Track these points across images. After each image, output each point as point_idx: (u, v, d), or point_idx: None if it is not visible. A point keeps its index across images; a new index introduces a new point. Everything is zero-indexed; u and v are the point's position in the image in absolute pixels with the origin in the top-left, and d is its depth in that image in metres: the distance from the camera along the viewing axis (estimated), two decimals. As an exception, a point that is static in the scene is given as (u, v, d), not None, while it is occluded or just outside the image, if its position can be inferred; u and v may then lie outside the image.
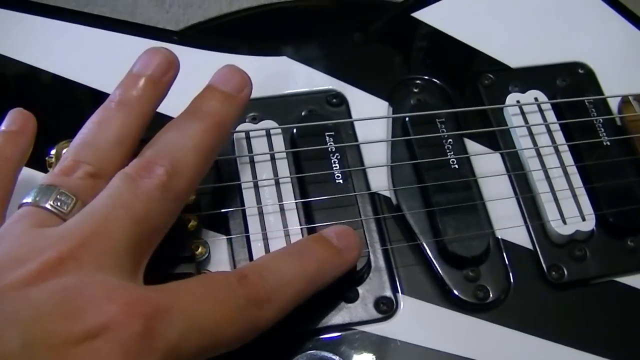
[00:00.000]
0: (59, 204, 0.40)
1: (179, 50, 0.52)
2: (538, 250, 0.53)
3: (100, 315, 0.34)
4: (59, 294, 0.35)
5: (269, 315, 0.41)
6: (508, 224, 0.53)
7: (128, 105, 0.44)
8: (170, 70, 0.46)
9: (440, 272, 0.51)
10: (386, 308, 0.49)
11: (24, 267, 0.36)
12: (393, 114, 0.57)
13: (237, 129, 0.53)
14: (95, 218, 0.38)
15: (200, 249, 0.49)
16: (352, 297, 0.49)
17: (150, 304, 0.36)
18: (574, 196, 0.54)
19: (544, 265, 0.52)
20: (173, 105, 0.47)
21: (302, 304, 0.44)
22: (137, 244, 0.39)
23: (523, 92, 0.58)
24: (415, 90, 0.58)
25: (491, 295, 0.51)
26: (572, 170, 0.55)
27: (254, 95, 0.55)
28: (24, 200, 0.40)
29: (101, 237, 0.37)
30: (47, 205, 0.40)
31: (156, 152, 0.42)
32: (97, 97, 0.53)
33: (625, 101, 0.59)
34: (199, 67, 0.53)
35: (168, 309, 0.36)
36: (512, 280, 0.52)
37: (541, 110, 0.57)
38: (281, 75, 0.58)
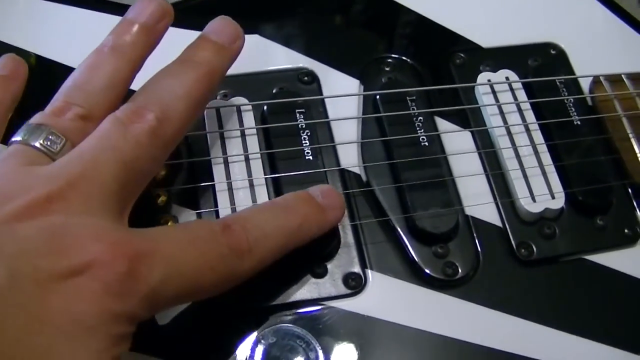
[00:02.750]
0: (48, 143, 0.40)
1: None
2: (507, 227, 0.53)
3: (85, 253, 0.35)
4: (46, 231, 0.35)
5: (249, 265, 0.41)
6: (477, 201, 0.53)
7: (121, 51, 0.44)
8: (164, 18, 0.46)
9: (409, 248, 0.51)
10: (355, 284, 0.49)
11: (11, 203, 0.36)
12: (364, 91, 0.56)
13: (208, 105, 0.53)
14: (84, 159, 0.38)
15: (169, 224, 0.48)
16: (321, 273, 0.49)
17: (135, 247, 0.36)
18: (544, 174, 0.54)
19: (513, 243, 0.52)
20: None
21: (270, 278, 0.44)
22: (124, 187, 0.39)
23: (494, 71, 0.58)
24: (387, 69, 0.58)
25: (460, 272, 0.51)
26: (542, 148, 0.55)
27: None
28: (14, 139, 0.40)
29: (90, 178, 0.38)
30: (37, 144, 0.40)
31: (147, 97, 0.42)
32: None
33: (596, 81, 0.59)
34: (176, 46, 0.53)
35: (152, 253, 0.37)
36: (481, 257, 0.52)
37: (512, 90, 0.57)
38: (253, 53, 0.57)
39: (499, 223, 0.53)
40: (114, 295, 0.35)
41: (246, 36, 0.56)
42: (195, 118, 0.44)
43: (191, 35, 0.53)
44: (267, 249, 0.42)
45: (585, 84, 0.60)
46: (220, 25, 0.47)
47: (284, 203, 0.46)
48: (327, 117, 0.55)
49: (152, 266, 0.36)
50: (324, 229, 0.46)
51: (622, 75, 0.59)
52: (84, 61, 0.44)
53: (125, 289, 0.35)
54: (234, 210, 0.49)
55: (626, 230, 0.54)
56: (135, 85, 0.45)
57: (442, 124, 0.56)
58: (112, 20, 0.46)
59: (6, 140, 0.42)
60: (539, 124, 0.56)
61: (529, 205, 0.52)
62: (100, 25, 0.48)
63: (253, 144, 0.52)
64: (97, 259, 0.35)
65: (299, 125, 0.53)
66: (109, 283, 0.35)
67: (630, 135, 0.57)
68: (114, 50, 0.44)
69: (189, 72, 0.44)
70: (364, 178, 0.53)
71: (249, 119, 0.53)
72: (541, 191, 0.53)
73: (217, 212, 0.49)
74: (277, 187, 0.51)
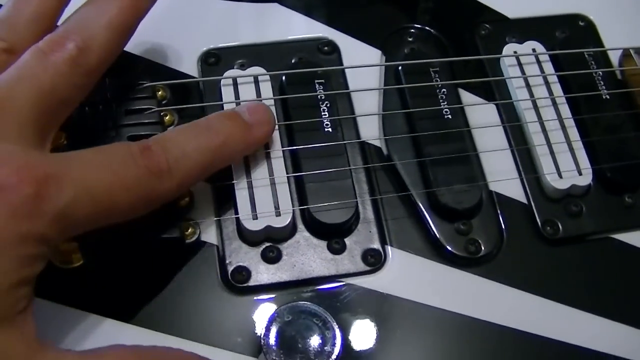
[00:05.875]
0: None
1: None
2: (532, 204, 0.51)
3: None
4: None
5: (169, 185, 0.41)
6: (502, 176, 0.52)
7: None
8: None
9: (431, 224, 0.49)
10: (374, 260, 0.48)
11: None
12: (386, 62, 0.55)
13: (225, 74, 0.51)
14: (1, 88, 0.39)
15: (185, 198, 0.47)
16: (339, 249, 0.48)
17: (43, 169, 0.37)
18: (571, 150, 0.52)
19: (538, 220, 0.51)
20: (170, 53, 0.50)
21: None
22: (43, 114, 0.39)
23: (521, 43, 0.56)
24: (410, 39, 0.56)
25: (483, 250, 0.49)
26: (570, 123, 0.53)
27: (243, 41, 0.54)
28: None
29: (5, 106, 0.38)
30: None
31: (69, 27, 0.42)
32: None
33: (626, 54, 0.57)
34: (185, 13, 0.52)
35: (61, 175, 0.37)
36: (504, 234, 0.50)
37: (539, 62, 0.55)
38: (272, 22, 0.56)
39: (523, 200, 0.52)
40: (20, 217, 0.35)
41: (264, 5, 0.56)
42: (120, 47, 0.45)
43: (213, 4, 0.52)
44: (188, 169, 0.42)
45: (614, 57, 0.58)
46: None
47: (206, 122, 0.45)
48: (347, 88, 0.53)
49: (60, 187, 0.37)
50: (252, 146, 0.47)
51: (653, 48, 0.57)
52: None
53: (33, 211, 0.36)
54: (250, 183, 0.48)
55: (656, 209, 0.52)
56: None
57: (466, 97, 0.54)
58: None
59: None
60: (566, 98, 0.54)
61: (555, 182, 0.51)
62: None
63: (271, 114, 0.50)
64: (4, 182, 0.36)
65: (318, 96, 0.51)
66: (15, 205, 0.35)
67: (661, 111, 0.55)
68: None
69: (112, 1, 0.44)
70: (384, 151, 0.52)
71: (267, 90, 0.51)
72: (568, 167, 0.51)
73: (232, 185, 0.48)
74: (295, 160, 0.49)
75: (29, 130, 0.39)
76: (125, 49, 0.46)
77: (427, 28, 0.57)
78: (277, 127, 0.49)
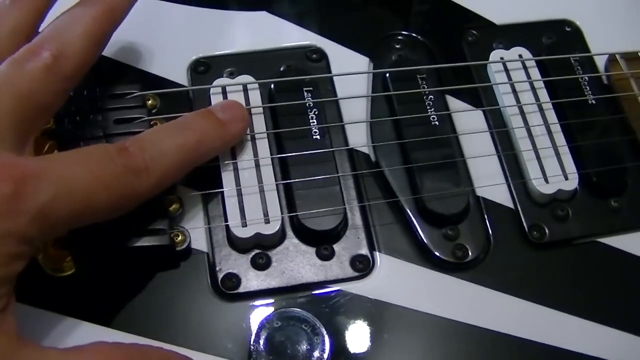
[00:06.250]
0: None
1: (154, 3, 0.51)
2: (519, 209, 0.52)
3: None
4: None
5: (147, 183, 0.42)
6: (489, 181, 0.52)
7: (20, 2, 0.46)
8: None
9: (419, 230, 0.50)
10: (362, 266, 0.49)
11: None
12: (374, 70, 0.55)
13: (214, 83, 0.52)
14: None
15: (174, 206, 0.48)
16: (328, 255, 0.49)
17: (22, 169, 0.37)
18: (557, 155, 0.52)
19: (525, 225, 0.51)
20: (159, 62, 0.50)
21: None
22: (20, 119, 0.40)
23: (507, 49, 0.57)
24: (397, 46, 0.57)
25: (470, 254, 0.50)
26: (556, 128, 0.53)
27: (232, 50, 0.54)
28: None
29: None
30: None
31: (45, 37, 0.43)
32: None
33: (612, 59, 0.58)
34: (175, 22, 0.52)
35: (40, 174, 0.38)
36: (492, 239, 0.51)
37: (525, 68, 0.56)
38: (261, 30, 0.56)
39: (510, 204, 0.52)
40: (1, 216, 0.36)
41: (252, 12, 0.56)
42: (96, 54, 0.45)
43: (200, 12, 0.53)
44: (165, 167, 0.43)
45: (600, 62, 0.58)
46: None
47: (182, 121, 0.46)
48: (335, 95, 0.54)
49: (39, 186, 0.37)
50: (227, 143, 0.48)
51: (639, 53, 0.58)
52: None
53: (12, 209, 0.36)
54: (239, 191, 0.48)
55: (641, 213, 0.53)
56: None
57: (454, 103, 0.55)
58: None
59: None
60: (552, 103, 0.54)
61: (541, 187, 0.51)
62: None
63: (259, 122, 0.51)
64: None
65: (307, 104, 0.52)
66: None
67: (647, 115, 0.55)
68: (14, 2, 0.45)
69: (87, 9, 0.45)
70: (372, 158, 0.52)
71: (256, 98, 0.52)
72: (554, 172, 0.52)
73: (222, 193, 0.48)
74: (283, 167, 0.50)
75: (7, 134, 0.39)
76: (114, 57, 0.47)
77: (414, 35, 0.58)
78: (266, 135, 0.50)
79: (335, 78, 0.54)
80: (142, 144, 0.43)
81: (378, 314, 0.47)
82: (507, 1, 0.60)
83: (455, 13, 0.59)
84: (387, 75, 0.54)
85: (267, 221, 0.47)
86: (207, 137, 0.46)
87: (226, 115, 0.47)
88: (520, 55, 0.56)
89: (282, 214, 0.48)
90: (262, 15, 0.57)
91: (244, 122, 0.48)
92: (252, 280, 0.47)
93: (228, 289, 0.47)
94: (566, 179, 0.52)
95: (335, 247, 0.49)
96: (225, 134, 0.47)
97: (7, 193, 0.36)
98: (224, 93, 0.52)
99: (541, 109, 0.54)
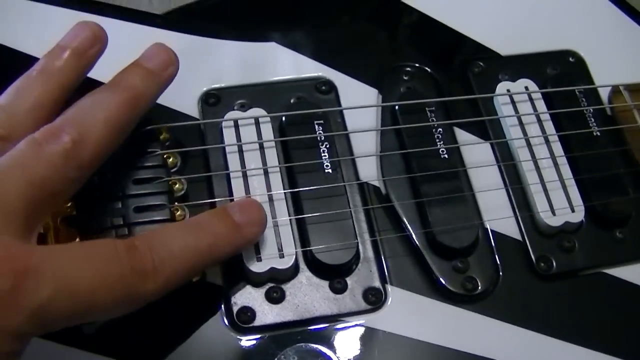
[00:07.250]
0: None
1: (163, 34, 0.51)
2: (527, 241, 0.53)
3: None
4: None
5: (153, 287, 0.40)
6: (497, 214, 0.53)
7: (49, 74, 0.44)
8: (96, 44, 0.46)
9: (429, 263, 0.51)
10: (375, 299, 0.49)
11: None
12: (383, 101, 0.56)
13: (226, 116, 0.52)
14: None
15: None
16: (341, 288, 0.49)
17: (24, 262, 0.36)
18: (564, 187, 0.53)
19: (532, 257, 0.52)
20: (169, 93, 0.48)
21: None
22: (32, 205, 0.38)
23: (513, 80, 0.57)
24: (405, 78, 0.57)
25: (480, 287, 0.51)
26: (562, 160, 0.54)
27: (242, 81, 0.55)
28: None
29: None
30: None
31: (66, 119, 0.42)
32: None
33: (615, 91, 0.58)
34: (184, 52, 0.52)
35: (41, 269, 0.36)
36: (500, 271, 0.51)
37: (531, 100, 0.57)
38: (270, 61, 0.57)
39: (518, 237, 0.53)
40: None
41: (262, 44, 0.56)
42: (117, 142, 0.43)
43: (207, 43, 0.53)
44: (174, 270, 0.41)
45: (604, 94, 0.59)
46: (153, 52, 0.47)
47: (196, 221, 0.44)
48: (345, 127, 0.55)
49: (40, 282, 0.35)
50: (241, 247, 0.46)
51: (642, 84, 0.58)
52: (13, 83, 0.44)
53: (10, 305, 0.35)
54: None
55: (646, 243, 0.54)
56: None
57: (462, 135, 0.56)
58: (107, 22, 0.47)
59: None
60: (558, 136, 0.55)
61: (548, 219, 0.52)
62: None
63: (272, 156, 0.51)
64: None
65: (318, 137, 0.52)
66: None
67: (650, 147, 0.56)
68: (42, 73, 0.44)
69: (112, 96, 0.44)
70: (383, 191, 0.53)
71: (267, 131, 0.52)
72: (561, 204, 0.53)
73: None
74: (296, 202, 0.50)
75: (15, 219, 0.38)
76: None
77: (422, 66, 0.58)
78: (278, 169, 0.50)
79: (345, 110, 0.55)
80: (152, 242, 0.41)
81: (391, 346, 0.48)
82: (512, 32, 0.61)
83: (462, 44, 0.60)
84: (396, 108, 0.55)
85: (282, 256, 0.48)
86: (221, 240, 0.44)
87: (243, 217, 0.45)
88: (526, 87, 0.57)
89: (295, 248, 0.49)
90: (272, 46, 0.57)
91: (261, 226, 0.46)
92: (267, 314, 0.48)
93: (243, 323, 0.47)
94: (573, 211, 0.53)
95: (348, 280, 0.49)
96: (239, 239, 0.45)
97: (6, 289, 0.34)
98: (236, 126, 0.52)
99: (547, 141, 0.55)
